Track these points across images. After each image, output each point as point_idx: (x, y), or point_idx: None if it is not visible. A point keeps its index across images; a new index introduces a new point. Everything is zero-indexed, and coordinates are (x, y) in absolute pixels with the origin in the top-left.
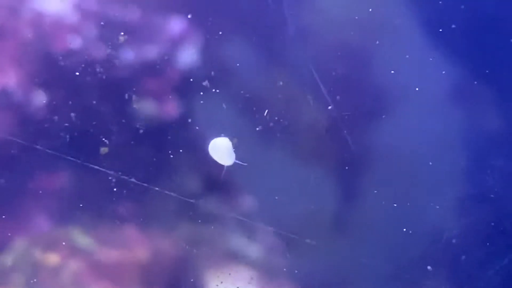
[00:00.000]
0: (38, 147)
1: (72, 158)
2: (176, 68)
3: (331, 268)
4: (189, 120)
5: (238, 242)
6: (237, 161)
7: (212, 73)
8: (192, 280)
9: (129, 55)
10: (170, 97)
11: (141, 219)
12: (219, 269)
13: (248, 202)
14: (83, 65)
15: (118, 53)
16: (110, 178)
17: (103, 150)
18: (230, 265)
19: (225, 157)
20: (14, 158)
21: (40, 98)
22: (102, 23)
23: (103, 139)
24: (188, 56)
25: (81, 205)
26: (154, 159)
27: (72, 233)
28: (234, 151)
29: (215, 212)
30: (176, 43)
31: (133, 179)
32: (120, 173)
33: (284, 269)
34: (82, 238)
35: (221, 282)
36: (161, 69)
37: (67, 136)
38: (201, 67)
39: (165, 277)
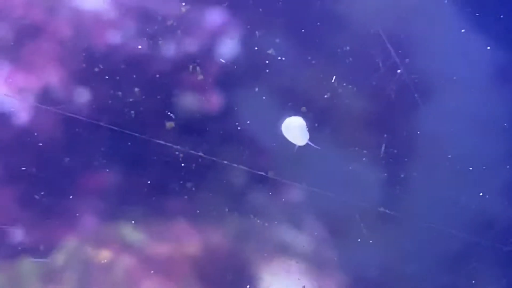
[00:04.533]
0: (102, 124)
1: (137, 134)
2: (238, 39)
3: (406, 236)
4: (256, 89)
5: (290, 232)
6: (309, 143)
7: (277, 40)
8: (244, 272)
9: (191, 31)
10: (235, 68)
11: (196, 209)
12: (272, 260)
13: (319, 173)
14: (145, 40)
15: (181, 29)
16: (177, 153)
17: (169, 124)
18: (283, 256)
19: (299, 137)
20: (79, 135)
21: (103, 76)
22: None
23: (169, 113)
24: (249, 28)
25: (149, 182)
26: (221, 132)
27: (123, 228)
28: (307, 128)
29: (284, 186)
30: (236, 17)
31: (200, 153)
32: (187, 147)
33: (359, 240)
34: (133, 233)
35: (274, 274)
36: (223, 43)
37: (132, 112)
38: (266, 36)
39: (217, 270)
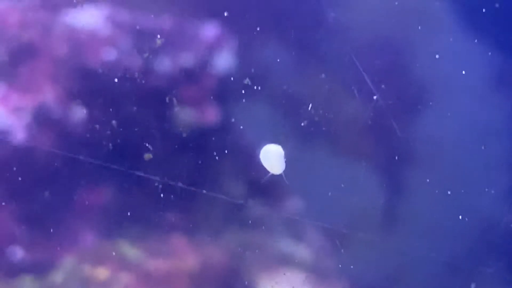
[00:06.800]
0: (81, 157)
1: (116, 167)
2: (215, 70)
3: (386, 262)
4: (233, 120)
5: (288, 243)
6: (283, 175)
7: (253, 70)
8: (243, 285)
9: (165, 63)
10: (211, 98)
11: (189, 226)
12: (270, 273)
13: (298, 200)
14: (121, 73)
15: (155, 60)
16: (156, 184)
17: (147, 156)
18: (282, 267)
19: (276, 165)
20: (58, 170)
21: (80, 110)
22: (135, 33)
23: (146, 145)
24: (226, 57)
25: (128, 213)
26: (200, 162)
27: (120, 245)
28: (284, 157)
29: (263, 214)
30: (211, 47)
31: (179, 184)
32: (166, 178)
33: (340, 266)
34: (130, 250)
35: (273, 286)
36: (200, 74)
37: (110, 145)
38: (241, 66)
39: (215, 284)
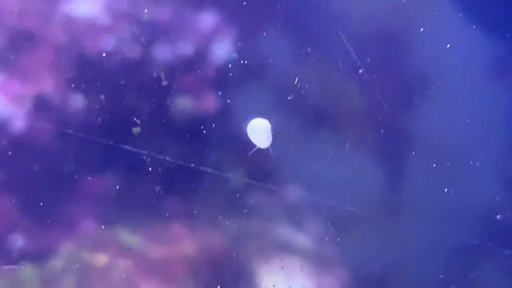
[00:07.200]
0: (69, 131)
1: (104, 141)
2: (204, 45)
3: (375, 234)
4: (219, 93)
5: (286, 230)
6: (269, 148)
7: (239, 44)
8: (240, 272)
9: (153, 38)
10: (199, 72)
11: (177, 198)
12: (268, 259)
13: (284, 171)
14: (109, 48)
15: (143, 36)
16: (144, 158)
17: (135, 130)
18: (279, 254)
19: (263, 139)
20: (47, 144)
21: (69, 85)
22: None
23: (135, 119)
24: (213, 33)
25: (117, 187)
26: (187, 136)
27: (118, 232)
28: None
29: (249, 187)
30: (199, 24)
31: (167, 158)
32: (153, 152)
33: (327, 239)
34: (130, 237)
35: (270, 272)
36: (187, 50)
37: (98, 119)
38: (228, 39)
39: (213, 270)
